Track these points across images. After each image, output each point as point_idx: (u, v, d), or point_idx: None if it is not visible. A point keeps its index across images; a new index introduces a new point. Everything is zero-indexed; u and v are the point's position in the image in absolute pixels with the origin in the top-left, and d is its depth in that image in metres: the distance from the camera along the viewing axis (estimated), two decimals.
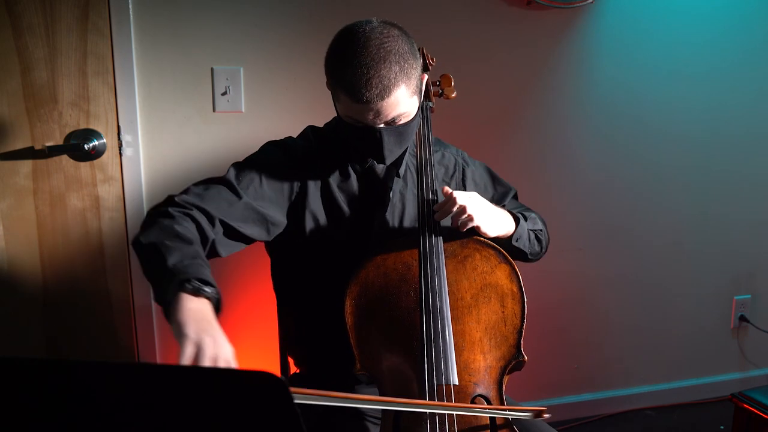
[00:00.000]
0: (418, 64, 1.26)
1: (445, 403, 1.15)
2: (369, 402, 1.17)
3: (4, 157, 1.83)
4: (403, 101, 1.22)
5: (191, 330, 0.95)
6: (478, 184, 1.54)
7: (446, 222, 1.33)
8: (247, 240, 1.30)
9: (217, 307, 1.05)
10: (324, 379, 1.39)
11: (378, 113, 1.21)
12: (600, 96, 2.32)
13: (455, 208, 1.27)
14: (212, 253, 1.24)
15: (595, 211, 2.41)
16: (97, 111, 1.86)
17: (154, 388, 0.71)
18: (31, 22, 1.77)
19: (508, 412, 1.17)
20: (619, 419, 2.54)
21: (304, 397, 0.98)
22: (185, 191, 1.26)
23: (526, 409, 1.16)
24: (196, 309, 1.00)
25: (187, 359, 0.93)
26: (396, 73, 1.19)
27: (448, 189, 1.31)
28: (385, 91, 1.18)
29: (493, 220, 1.33)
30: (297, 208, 1.36)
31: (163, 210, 1.20)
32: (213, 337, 0.96)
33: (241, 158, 1.38)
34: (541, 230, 1.50)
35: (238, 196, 1.27)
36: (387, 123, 1.25)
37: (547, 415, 1.14)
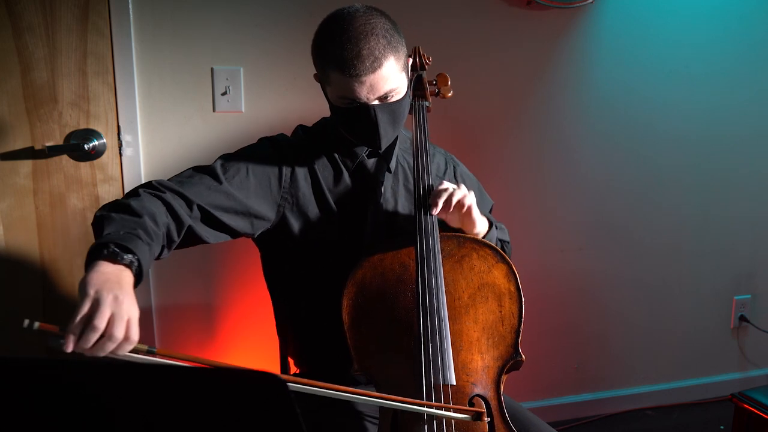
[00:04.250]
0: (403, 43, 1.29)
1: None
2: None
3: (4, 157, 1.83)
4: (393, 75, 1.25)
5: (92, 289, 0.90)
6: (470, 188, 1.55)
7: (443, 216, 1.34)
8: (232, 232, 1.29)
9: (139, 277, 1.00)
10: (323, 379, 1.39)
11: (371, 87, 1.23)
12: (600, 96, 2.32)
13: (450, 188, 1.29)
14: (193, 238, 1.23)
15: (595, 211, 2.41)
16: (97, 111, 1.86)
17: (154, 388, 0.71)
18: (31, 22, 1.77)
19: (443, 411, 1.13)
20: (619, 419, 2.54)
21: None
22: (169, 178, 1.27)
23: (464, 409, 1.14)
24: (108, 272, 0.94)
25: (78, 317, 0.89)
26: (384, 46, 1.22)
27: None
28: (376, 63, 1.21)
29: (478, 210, 1.35)
30: (288, 206, 1.35)
31: (133, 190, 1.20)
32: (115, 294, 0.90)
33: None
34: (507, 242, 1.53)
35: (220, 183, 1.27)
36: (380, 99, 1.26)
37: (487, 419, 1.13)
